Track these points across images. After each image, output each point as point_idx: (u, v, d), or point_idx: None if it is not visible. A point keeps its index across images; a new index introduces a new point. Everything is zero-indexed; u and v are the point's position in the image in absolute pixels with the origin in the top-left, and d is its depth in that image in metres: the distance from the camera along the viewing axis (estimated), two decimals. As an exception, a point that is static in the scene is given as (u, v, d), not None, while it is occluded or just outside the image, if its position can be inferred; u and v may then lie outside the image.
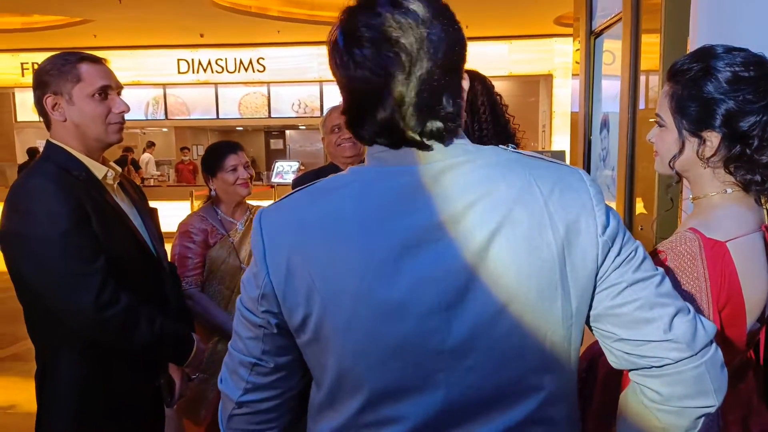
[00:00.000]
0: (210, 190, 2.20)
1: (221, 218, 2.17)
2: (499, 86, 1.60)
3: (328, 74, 0.77)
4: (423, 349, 0.73)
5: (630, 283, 0.76)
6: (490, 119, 1.52)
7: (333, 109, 2.22)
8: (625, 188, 2.20)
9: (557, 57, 9.68)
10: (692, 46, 1.67)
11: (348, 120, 0.76)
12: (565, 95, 8.88)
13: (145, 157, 11.43)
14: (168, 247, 1.70)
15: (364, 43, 0.70)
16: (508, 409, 0.76)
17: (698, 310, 0.92)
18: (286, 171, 8.16)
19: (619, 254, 0.76)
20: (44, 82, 1.41)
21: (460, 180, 0.74)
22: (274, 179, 8.12)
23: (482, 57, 8.82)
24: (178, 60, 10.63)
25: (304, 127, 12.79)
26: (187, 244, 2.10)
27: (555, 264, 0.74)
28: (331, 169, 2.10)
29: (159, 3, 7.63)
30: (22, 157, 10.64)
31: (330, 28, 0.76)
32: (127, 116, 1.51)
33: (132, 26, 8.81)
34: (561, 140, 9.18)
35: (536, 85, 10.48)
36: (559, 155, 5.39)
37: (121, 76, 1.53)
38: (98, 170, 1.46)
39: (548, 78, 10.04)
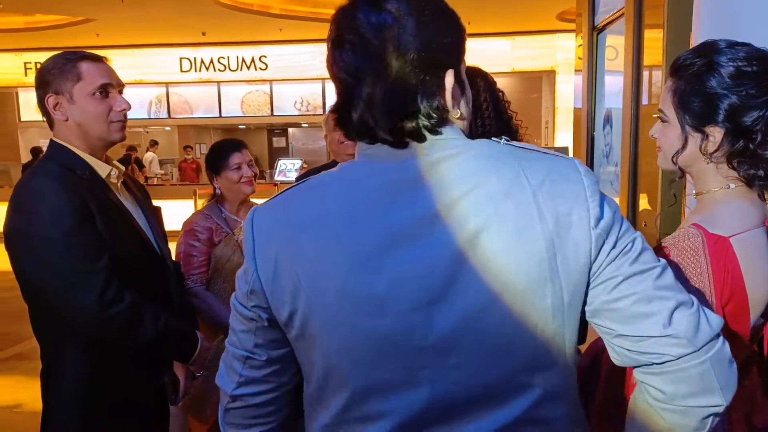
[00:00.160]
0: (214, 188, 2.21)
1: (226, 216, 2.18)
2: (501, 83, 1.59)
3: (333, 72, 0.79)
4: (406, 345, 0.73)
5: (626, 276, 0.74)
6: (492, 115, 1.52)
7: (335, 107, 2.22)
8: (629, 184, 2.19)
9: (560, 53, 9.64)
10: (695, 41, 1.66)
11: (336, 119, 0.78)
12: (568, 91, 8.85)
13: (149, 156, 11.46)
14: (172, 245, 1.71)
15: (344, 46, 0.73)
16: (498, 408, 0.75)
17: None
18: (289, 169, 8.16)
19: (614, 247, 0.74)
20: (46, 81, 1.41)
21: (447, 174, 0.73)
22: (277, 177, 8.12)
23: (484, 53, 8.80)
24: (181, 59, 10.64)
25: (306, 125, 12.79)
26: (192, 243, 2.10)
27: (544, 259, 0.72)
28: (334, 166, 2.10)
29: (161, 2, 7.64)
30: (25, 157, 10.68)
31: None
32: (130, 115, 1.51)
33: (134, 25, 8.82)
34: (564, 136, 9.16)
35: (539, 81, 10.45)
36: (562, 152, 5.38)
37: (124, 75, 1.53)
38: (102, 169, 1.46)
39: (551, 74, 10.01)
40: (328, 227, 0.74)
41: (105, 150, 1.50)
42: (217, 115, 11.04)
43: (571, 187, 0.74)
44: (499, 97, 1.54)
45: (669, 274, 0.76)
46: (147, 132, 12.57)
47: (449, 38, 0.74)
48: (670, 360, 0.74)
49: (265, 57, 10.51)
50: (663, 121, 1.06)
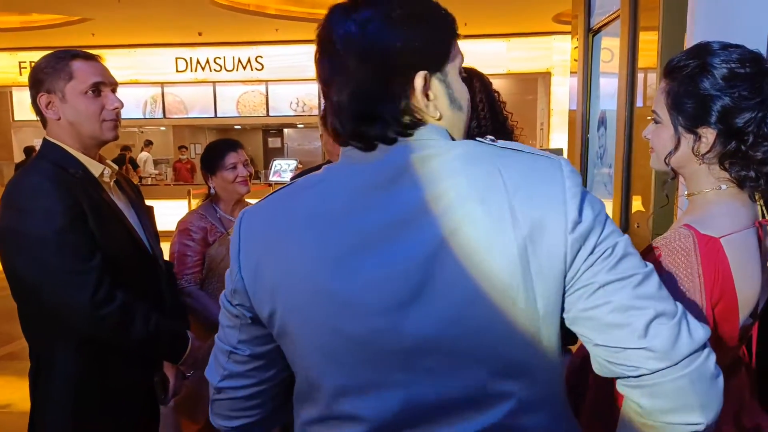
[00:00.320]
0: (209, 188, 2.21)
1: (220, 216, 2.18)
2: (497, 84, 1.60)
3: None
4: (377, 347, 0.73)
5: (602, 284, 0.71)
6: (488, 116, 1.53)
7: (331, 107, 2.22)
8: (622, 186, 2.20)
9: (555, 55, 9.68)
10: (689, 43, 1.67)
11: (323, 123, 0.81)
12: (564, 93, 8.88)
13: (143, 156, 11.42)
14: (166, 245, 1.70)
15: (320, 55, 0.77)
16: (473, 415, 0.74)
17: (692, 306, 0.93)
18: (284, 170, 8.15)
19: (592, 252, 0.71)
20: (38, 80, 1.41)
21: (419, 177, 0.73)
22: (272, 178, 8.12)
23: (480, 55, 8.82)
24: (176, 58, 10.62)
25: (302, 126, 12.78)
26: (186, 242, 2.10)
27: (516, 265, 0.70)
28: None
29: (157, 1, 7.63)
30: (19, 156, 10.63)
31: None
32: (124, 115, 1.51)
33: (130, 25, 8.80)
34: (559, 138, 9.18)
35: (534, 83, 10.48)
36: (557, 153, 5.40)
37: (119, 75, 1.53)
38: (95, 168, 1.46)
39: (546, 76, 10.04)
40: (306, 229, 0.76)
41: (98, 149, 1.49)
42: (213, 115, 11.03)
43: (550, 189, 0.72)
44: (494, 97, 1.55)
45: (651, 282, 0.72)
46: (142, 132, 12.53)
47: (418, 42, 0.74)
48: (646, 374, 0.71)
49: (261, 57, 10.50)
50: (656, 122, 1.06)
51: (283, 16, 8.49)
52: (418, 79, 0.74)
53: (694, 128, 1.00)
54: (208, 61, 10.60)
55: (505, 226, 0.70)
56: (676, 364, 0.70)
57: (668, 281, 0.94)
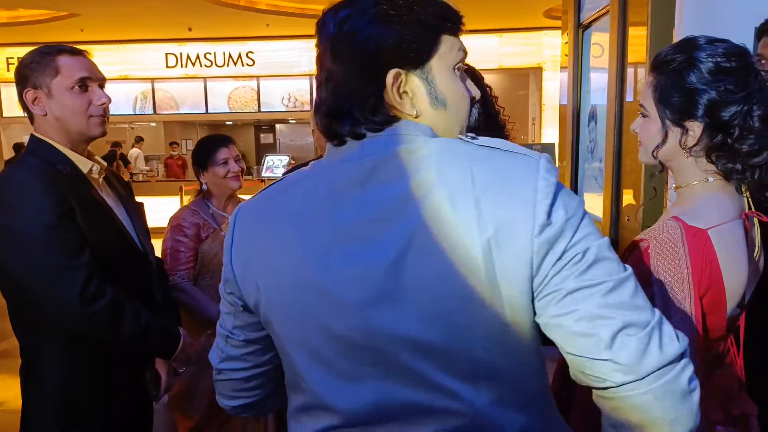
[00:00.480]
0: (201, 183, 2.20)
1: (213, 212, 2.17)
2: (489, 79, 1.61)
3: (318, 68, 0.82)
4: (353, 343, 0.74)
5: (570, 291, 0.68)
6: (480, 111, 1.53)
7: (322, 102, 2.22)
8: (612, 179, 2.22)
9: (547, 50, 9.69)
10: (678, 38, 1.69)
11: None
12: (555, 88, 8.89)
13: (134, 153, 11.34)
14: (157, 242, 1.70)
15: (319, 55, 0.80)
16: (443, 415, 0.73)
17: (680, 297, 0.94)
18: (276, 165, 8.14)
19: (560, 257, 0.68)
20: (24, 76, 1.40)
21: (393, 173, 0.73)
22: (265, 174, 8.10)
23: (472, 50, 8.62)
24: (167, 54, 10.54)
25: (294, 121, 12.74)
26: (178, 238, 2.10)
27: (480, 268, 0.68)
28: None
29: (146, -4, 7.56)
30: (8, 153, 10.52)
31: None
32: (115, 111, 1.50)
33: (119, 20, 8.72)
34: (551, 133, 9.21)
35: (526, 78, 10.50)
36: (549, 148, 5.42)
37: (109, 71, 1.52)
38: (83, 164, 1.45)
39: (538, 71, 10.06)
40: (289, 225, 0.78)
41: (86, 145, 1.48)
42: (204, 111, 10.95)
43: (520, 189, 0.69)
44: (486, 92, 1.56)
45: (624, 290, 0.69)
46: (132, 128, 12.44)
47: (391, 40, 0.74)
48: (612, 386, 0.68)
49: (252, 53, 10.45)
50: (644, 115, 1.07)
51: (274, 11, 8.45)
52: (389, 77, 0.75)
53: (681, 122, 1.01)
54: (198, 57, 10.53)
55: (471, 227, 0.69)
56: (642, 378, 0.67)
57: (656, 273, 0.95)
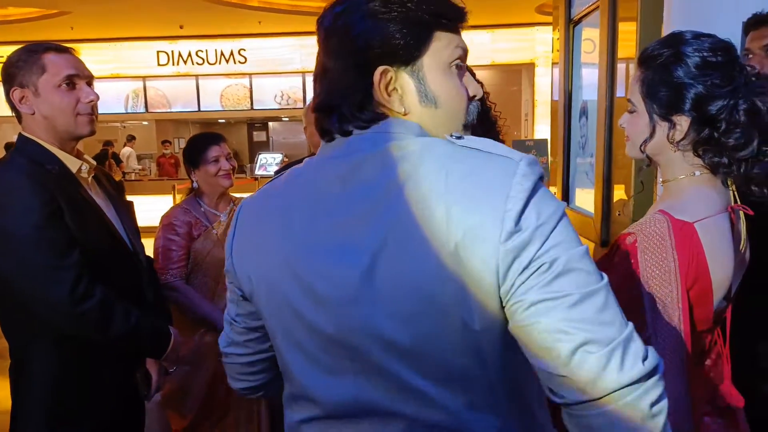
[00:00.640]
0: (192, 182, 2.20)
1: (205, 210, 2.17)
2: (481, 75, 1.61)
3: (311, 65, 0.84)
4: (332, 339, 0.75)
5: (533, 302, 0.65)
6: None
7: (315, 100, 2.22)
8: (603, 175, 2.23)
9: (539, 46, 9.71)
10: (667, 33, 1.70)
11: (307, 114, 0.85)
12: (548, 84, 8.89)
13: (126, 151, 11.29)
14: (149, 241, 1.69)
15: (319, 51, 0.81)
16: (418, 411, 0.73)
17: (667, 290, 0.95)
18: (269, 163, 8.13)
19: (527, 266, 0.65)
20: (10, 75, 1.39)
21: (372, 172, 0.73)
22: (258, 172, 8.09)
23: (465, 46, 8.79)
24: (158, 52, 10.47)
25: (287, 119, 12.70)
26: (170, 237, 2.09)
27: (449, 273, 0.67)
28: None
29: (137, -6, 7.52)
30: (0, 152, 10.47)
31: (312, 19, 0.84)
32: (106, 110, 1.50)
33: (110, 18, 8.65)
34: (543, 129, 9.23)
35: (518, 74, 10.51)
36: (542, 143, 5.43)
37: (100, 69, 1.53)
38: (72, 163, 1.44)
39: (530, 67, 10.07)
40: (278, 220, 0.80)
41: (74, 143, 1.48)
42: (196, 109, 10.90)
43: (492, 194, 0.67)
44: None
45: (592, 303, 0.65)
46: (124, 127, 12.37)
47: (379, 37, 0.74)
48: (570, 403, 0.67)
49: (244, 50, 10.40)
50: (631, 111, 1.08)
51: (266, 9, 8.41)
52: (376, 74, 0.75)
53: (669, 116, 1.02)
54: (190, 55, 10.47)
55: (440, 231, 0.67)
56: (597, 399, 0.64)
57: (643, 266, 0.96)
